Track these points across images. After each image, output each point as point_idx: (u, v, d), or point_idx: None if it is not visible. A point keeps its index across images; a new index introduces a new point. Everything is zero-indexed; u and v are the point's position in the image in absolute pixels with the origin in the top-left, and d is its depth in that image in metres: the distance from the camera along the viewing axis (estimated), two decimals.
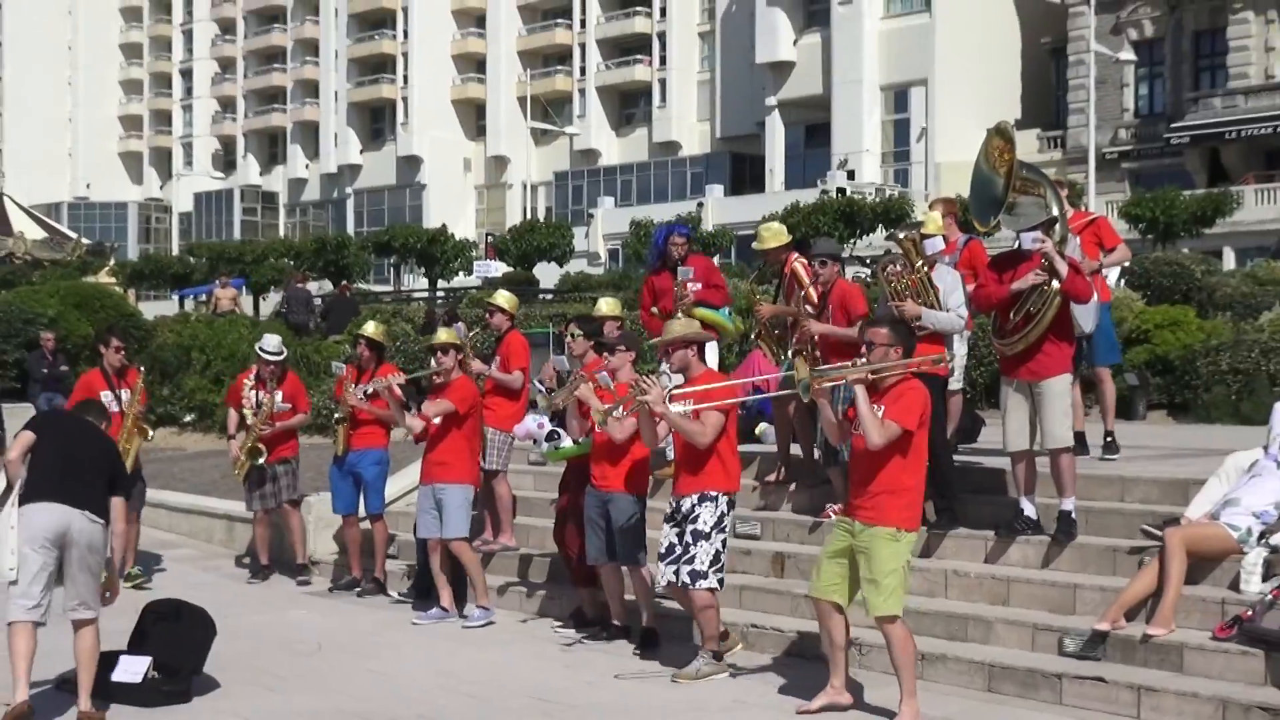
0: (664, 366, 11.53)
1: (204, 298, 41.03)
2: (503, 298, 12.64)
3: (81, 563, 8.11)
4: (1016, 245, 9.56)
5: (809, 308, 11.01)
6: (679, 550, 9.03)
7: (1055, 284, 9.28)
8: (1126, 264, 14.67)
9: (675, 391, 9.21)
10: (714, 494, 9.01)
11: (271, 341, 13.39)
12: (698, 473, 9.02)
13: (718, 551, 9.01)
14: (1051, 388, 9.36)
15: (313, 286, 37.82)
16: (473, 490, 11.32)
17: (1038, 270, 9.31)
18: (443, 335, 11.57)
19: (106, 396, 12.70)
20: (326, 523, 13.69)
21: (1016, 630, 8.95)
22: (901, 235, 10.36)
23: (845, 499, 8.63)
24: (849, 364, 8.28)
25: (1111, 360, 11.40)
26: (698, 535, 8.95)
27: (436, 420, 11.12)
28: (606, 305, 11.83)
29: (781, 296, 11.64)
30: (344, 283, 42.17)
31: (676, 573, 9.03)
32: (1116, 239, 11.65)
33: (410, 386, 11.90)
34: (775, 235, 11.68)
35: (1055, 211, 9.81)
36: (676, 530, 9.07)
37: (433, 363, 11.51)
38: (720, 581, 9.08)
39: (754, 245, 11.91)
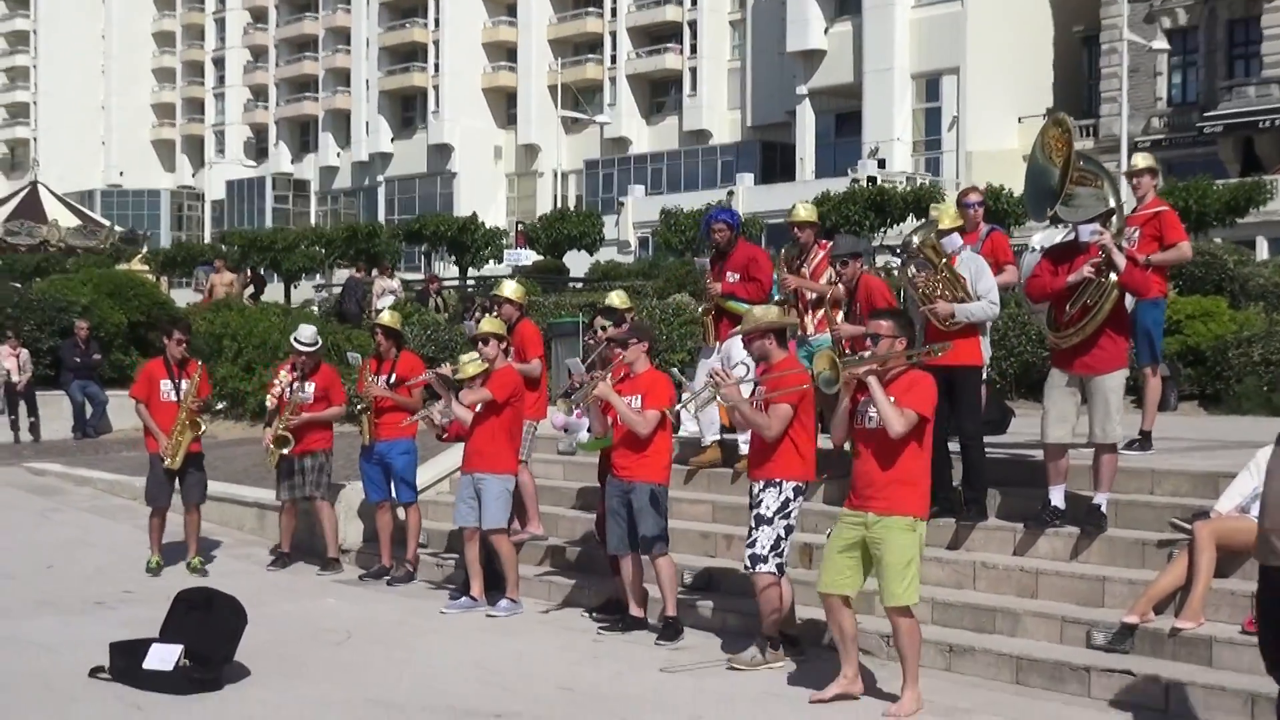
0: (716, 355, 11.60)
1: (202, 279, 37.96)
2: (509, 288, 12.53)
3: None
4: (1074, 236, 9.52)
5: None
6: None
7: (1113, 276, 9.25)
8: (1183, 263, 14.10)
9: (746, 381, 9.15)
10: (779, 480, 8.93)
11: (306, 332, 13.22)
12: (766, 460, 8.99)
13: (779, 537, 8.91)
14: (1106, 383, 9.32)
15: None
16: (513, 480, 11.25)
17: (1092, 262, 9.28)
18: (486, 325, 11.43)
19: (166, 386, 12.84)
20: (357, 511, 13.77)
21: (1045, 623, 8.94)
22: (919, 241, 10.26)
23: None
24: (866, 354, 8.35)
25: (1152, 360, 11.20)
26: (760, 520, 8.90)
27: (477, 408, 11.09)
28: (618, 298, 11.84)
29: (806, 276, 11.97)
30: (432, 274, 40.76)
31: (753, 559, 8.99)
32: (1179, 235, 11.08)
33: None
34: (809, 212, 12.11)
35: (1113, 203, 9.74)
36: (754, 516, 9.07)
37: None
38: (779, 568, 8.98)
39: (786, 218, 12.15)
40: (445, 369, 11.53)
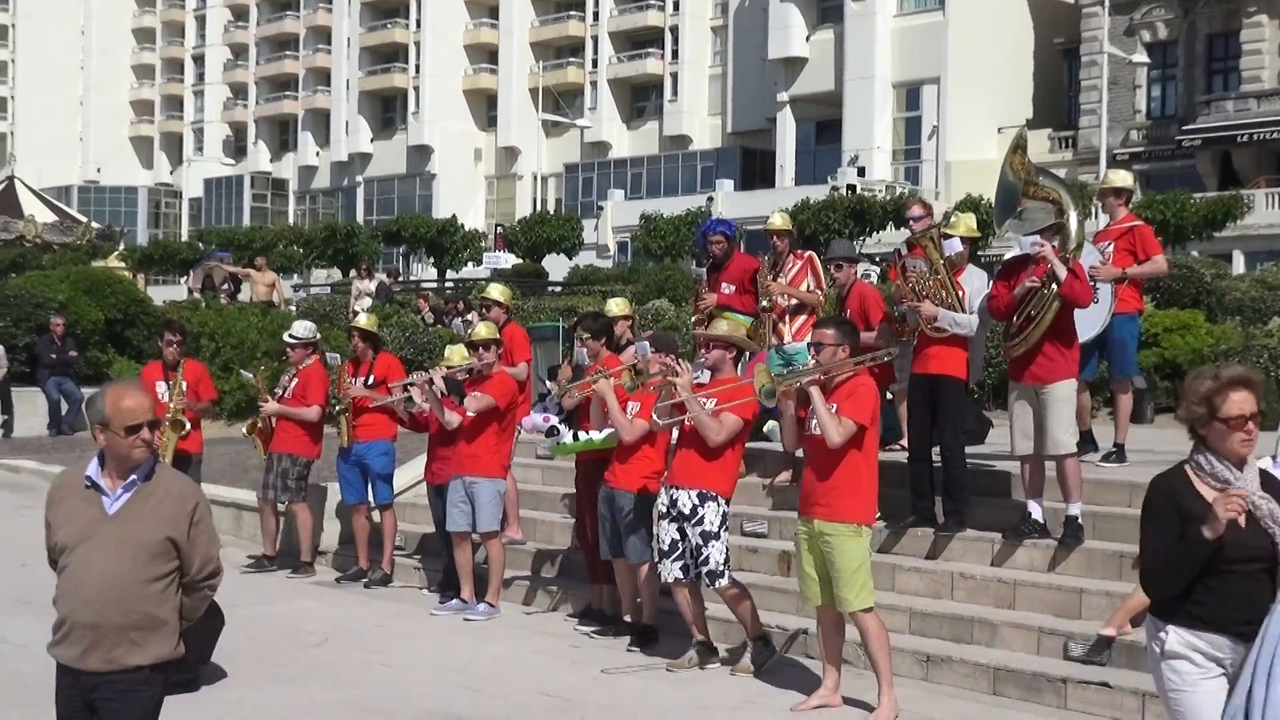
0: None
1: (221, 274, 34.19)
2: (496, 291, 12.64)
3: None
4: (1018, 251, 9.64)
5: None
6: (683, 548, 9.05)
7: (1055, 287, 9.32)
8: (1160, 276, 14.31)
9: (696, 383, 9.21)
10: (714, 494, 9.01)
11: (299, 327, 13.39)
12: (701, 469, 9.01)
13: (726, 549, 9.06)
14: (1055, 392, 9.37)
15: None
16: (504, 484, 11.27)
17: (1033, 277, 9.35)
18: (481, 330, 11.47)
19: (160, 388, 12.83)
20: (334, 513, 13.72)
21: (1022, 634, 8.97)
22: (921, 235, 10.33)
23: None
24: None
25: (1126, 374, 11.22)
26: (708, 536, 8.95)
27: (472, 414, 11.11)
28: (616, 306, 11.81)
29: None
30: (423, 293, 39.44)
31: (685, 570, 9.07)
32: (1154, 249, 11.09)
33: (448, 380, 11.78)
34: (783, 220, 12.29)
35: (1072, 217, 9.80)
36: (677, 527, 9.07)
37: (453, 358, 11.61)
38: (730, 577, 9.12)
39: (765, 226, 12.36)
40: (436, 374, 11.45)
